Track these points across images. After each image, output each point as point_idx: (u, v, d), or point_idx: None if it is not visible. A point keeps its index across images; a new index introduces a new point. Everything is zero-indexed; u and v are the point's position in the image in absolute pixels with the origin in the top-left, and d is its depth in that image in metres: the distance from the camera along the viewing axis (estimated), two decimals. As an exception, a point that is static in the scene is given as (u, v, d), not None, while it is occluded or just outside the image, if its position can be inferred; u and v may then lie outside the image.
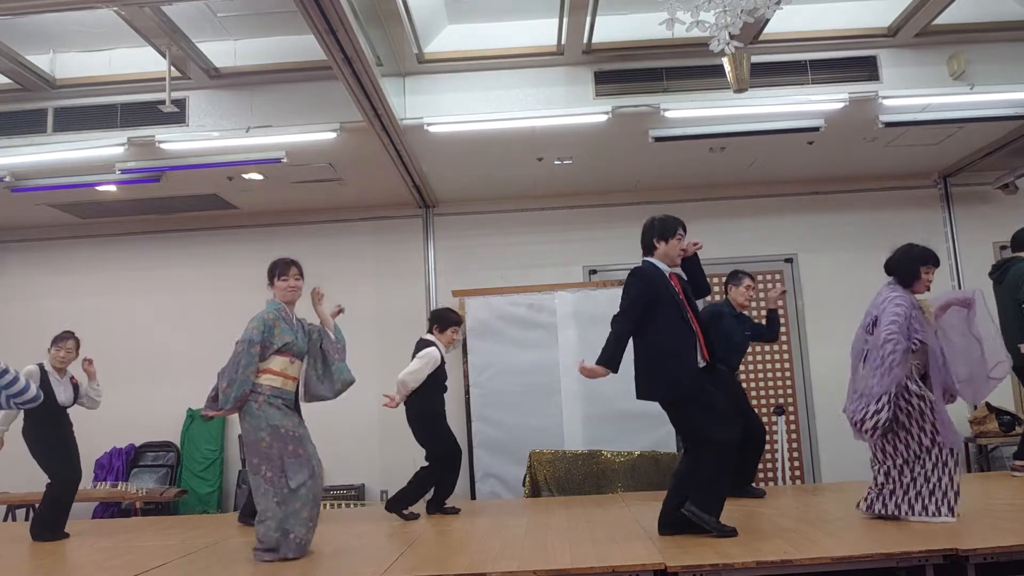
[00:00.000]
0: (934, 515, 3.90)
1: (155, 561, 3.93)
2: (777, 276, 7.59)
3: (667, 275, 3.96)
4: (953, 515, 3.88)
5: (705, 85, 5.75)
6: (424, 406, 5.21)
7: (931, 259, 4.08)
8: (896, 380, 3.83)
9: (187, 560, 4.00)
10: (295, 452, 3.91)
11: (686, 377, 3.81)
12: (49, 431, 5.07)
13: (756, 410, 7.31)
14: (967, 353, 4.18)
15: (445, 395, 5.40)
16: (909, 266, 4.06)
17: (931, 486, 3.94)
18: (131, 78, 5.67)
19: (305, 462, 3.94)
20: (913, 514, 3.94)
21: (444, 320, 5.43)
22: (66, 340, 5.24)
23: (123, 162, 6.09)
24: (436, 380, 5.27)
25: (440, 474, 5.28)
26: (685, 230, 4.05)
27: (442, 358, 5.32)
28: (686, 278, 4.08)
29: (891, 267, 4.13)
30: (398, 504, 5.16)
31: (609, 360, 3.78)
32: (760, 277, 6.88)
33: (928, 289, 4.11)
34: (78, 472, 5.27)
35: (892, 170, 7.41)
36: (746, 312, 5.46)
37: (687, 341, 3.86)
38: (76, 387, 5.29)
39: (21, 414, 4.95)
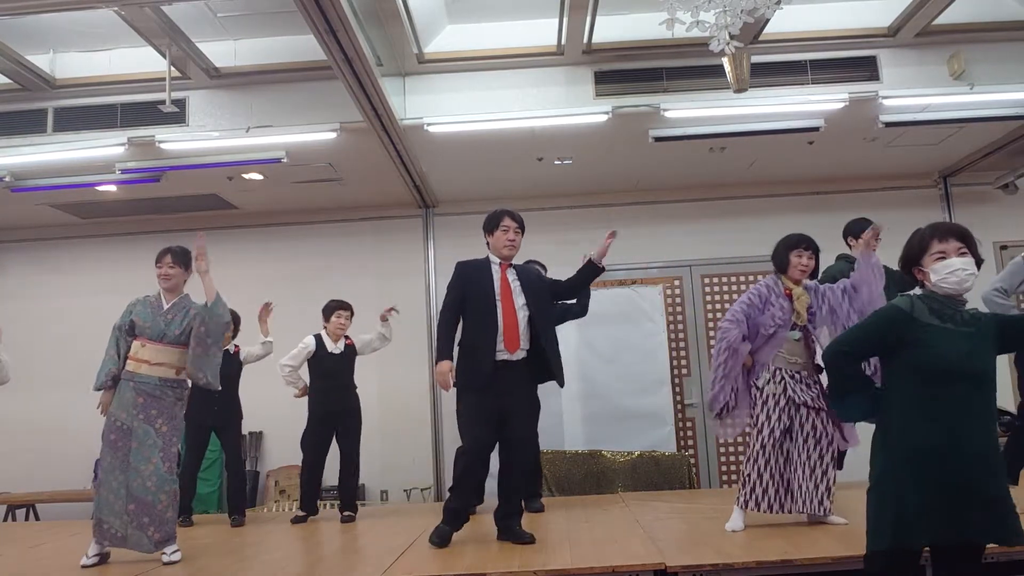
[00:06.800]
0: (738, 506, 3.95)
1: (156, 561, 3.93)
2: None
3: (493, 268, 4.10)
4: (742, 510, 3.92)
5: (705, 85, 5.75)
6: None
7: (800, 243, 4.01)
8: (726, 366, 3.90)
9: (187, 559, 3.99)
10: (113, 442, 3.92)
11: (471, 371, 3.94)
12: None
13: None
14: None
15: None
16: (781, 253, 4.06)
17: (742, 479, 3.99)
18: (131, 78, 5.68)
19: (116, 452, 3.91)
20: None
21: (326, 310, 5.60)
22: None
23: (123, 162, 6.09)
24: (315, 369, 5.46)
25: None
26: (514, 219, 4.12)
27: (319, 345, 5.47)
28: (545, 271, 4.20)
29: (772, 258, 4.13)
30: None
31: (439, 354, 3.96)
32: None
33: (804, 273, 4.01)
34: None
35: (892, 170, 7.40)
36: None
37: (487, 335, 3.93)
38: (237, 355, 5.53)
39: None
